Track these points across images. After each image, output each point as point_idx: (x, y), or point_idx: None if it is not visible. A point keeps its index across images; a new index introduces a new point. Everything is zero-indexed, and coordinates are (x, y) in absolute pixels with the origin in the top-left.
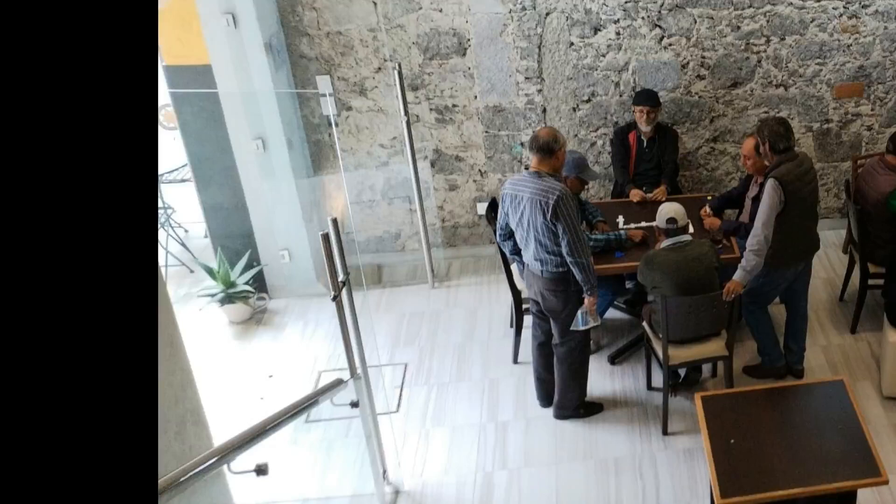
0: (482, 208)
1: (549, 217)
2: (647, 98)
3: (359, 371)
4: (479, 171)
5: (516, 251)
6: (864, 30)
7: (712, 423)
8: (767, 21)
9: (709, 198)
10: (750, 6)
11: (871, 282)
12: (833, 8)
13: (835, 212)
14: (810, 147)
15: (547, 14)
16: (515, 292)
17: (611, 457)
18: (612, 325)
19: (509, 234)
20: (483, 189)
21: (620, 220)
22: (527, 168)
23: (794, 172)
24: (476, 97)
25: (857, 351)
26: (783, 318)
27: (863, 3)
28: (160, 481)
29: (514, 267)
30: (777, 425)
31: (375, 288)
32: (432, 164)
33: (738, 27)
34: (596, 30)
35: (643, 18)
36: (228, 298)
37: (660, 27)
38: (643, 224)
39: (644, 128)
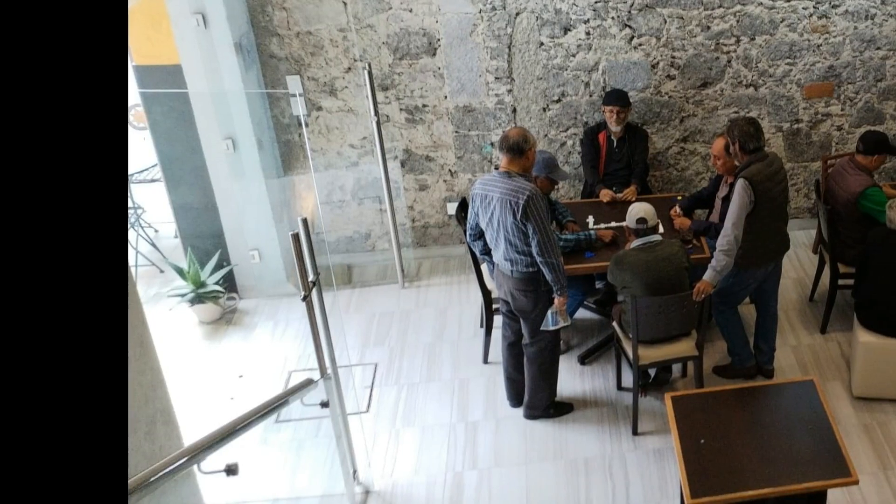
0: (452, 208)
1: (519, 217)
2: (616, 98)
3: (329, 371)
4: (450, 171)
5: (486, 251)
6: (834, 30)
7: (682, 423)
8: (737, 21)
9: (679, 198)
10: (720, 6)
11: (841, 282)
12: (803, 8)
13: (805, 212)
14: (780, 147)
15: (517, 14)
16: (485, 292)
17: (581, 457)
18: (582, 325)
19: (479, 234)
20: (453, 189)
21: (590, 220)
22: (497, 168)
23: (764, 172)
24: (446, 97)
25: (827, 351)
26: (753, 318)
27: (833, 3)
28: (130, 481)
29: (484, 267)
30: (747, 425)
31: (345, 288)
32: (402, 164)
33: (708, 27)
34: (566, 30)
35: (613, 18)
36: (198, 298)
37: (630, 27)
38: (613, 224)
39: (614, 128)
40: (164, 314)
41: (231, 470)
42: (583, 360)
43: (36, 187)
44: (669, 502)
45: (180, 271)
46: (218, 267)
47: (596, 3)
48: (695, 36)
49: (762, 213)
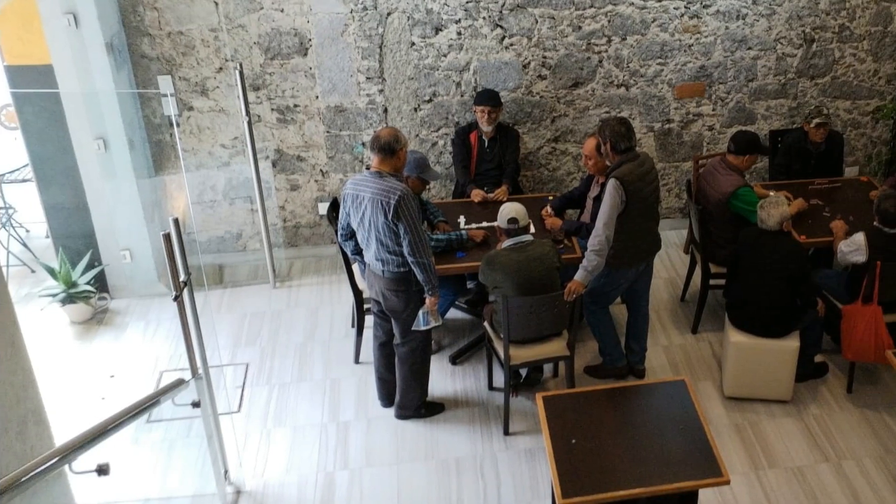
0: (324, 208)
1: (390, 217)
2: (488, 98)
3: (200, 371)
4: (321, 171)
5: (358, 251)
6: (706, 30)
7: (554, 423)
8: (609, 21)
9: (550, 198)
10: (591, 6)
11: (712, 282)
12: (674, 8)
13: (676, 212)
14: (652, 147)
15: (388, 14)
16: (357, 292)
17: (452, 457)
18: (453, 325)
19: (351, 234)
20: (324, 189)
21: (462, 220)
22: (368, 168)
23: (635, 172)
24: (317, 97)
25: (698, 351)
26: (625, 318)
27: (704, 4)
28: (1, 481)
29: (355, 267)
30: (619, 425)
31: (217, 288)
32: (274, 164)
33: (580, 27)
34: (437, 30)
35: (484, 18)
36: (70, 298)
37: (501, 27)
38: (484, 224)
39: (485, 128)
40: (35, 314)
41: (102, 470)
42: (454, 360)
43: None
44: (541, 502)
45: (52, 271)
46: (89, 267)
47: (467, 3)
48: (566, 36)
49: (633, 213)
